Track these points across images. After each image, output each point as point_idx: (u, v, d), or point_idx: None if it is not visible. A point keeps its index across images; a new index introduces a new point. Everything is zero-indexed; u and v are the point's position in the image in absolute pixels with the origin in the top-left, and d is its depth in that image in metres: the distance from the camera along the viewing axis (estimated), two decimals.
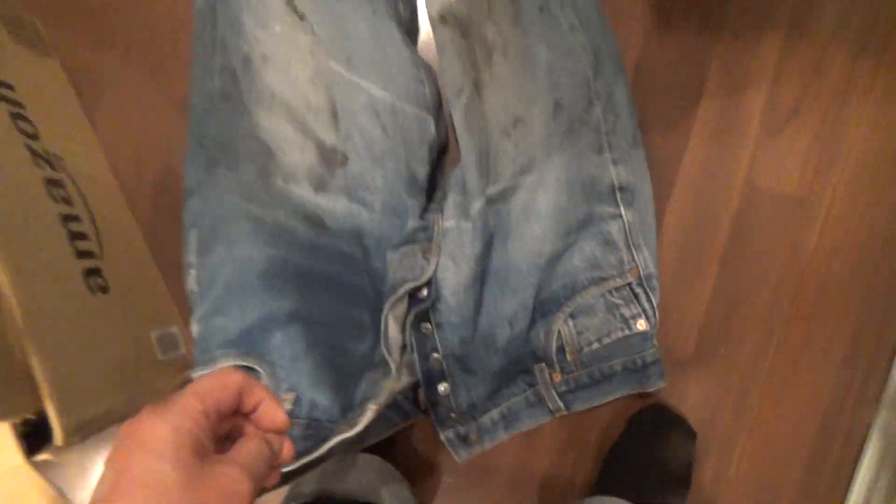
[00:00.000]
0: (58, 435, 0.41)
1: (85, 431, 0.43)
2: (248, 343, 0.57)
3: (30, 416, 0.40)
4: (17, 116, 0.50)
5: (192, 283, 0.59)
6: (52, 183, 0.50)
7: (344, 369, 0.57)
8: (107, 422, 0.45)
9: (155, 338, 0.57)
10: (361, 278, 0.60)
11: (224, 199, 0.58)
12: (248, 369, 0.56)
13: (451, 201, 0.57)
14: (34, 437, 0.41)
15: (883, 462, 0.59)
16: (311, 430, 0.55)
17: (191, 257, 0.59)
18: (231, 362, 0.57)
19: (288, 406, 0.54)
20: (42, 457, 0.41)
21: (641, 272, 0.60)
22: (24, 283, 0.42)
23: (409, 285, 0.55)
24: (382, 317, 0.54)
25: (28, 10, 0.61)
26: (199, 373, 0.57)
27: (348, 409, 0.55)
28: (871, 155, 0.62)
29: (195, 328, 0.58)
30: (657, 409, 0.61)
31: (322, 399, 0.55)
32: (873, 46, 0.62)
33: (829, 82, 0.62)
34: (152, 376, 0.55)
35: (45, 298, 0.44)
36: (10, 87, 0.51)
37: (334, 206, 0.60)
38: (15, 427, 0.40)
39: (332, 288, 0.59)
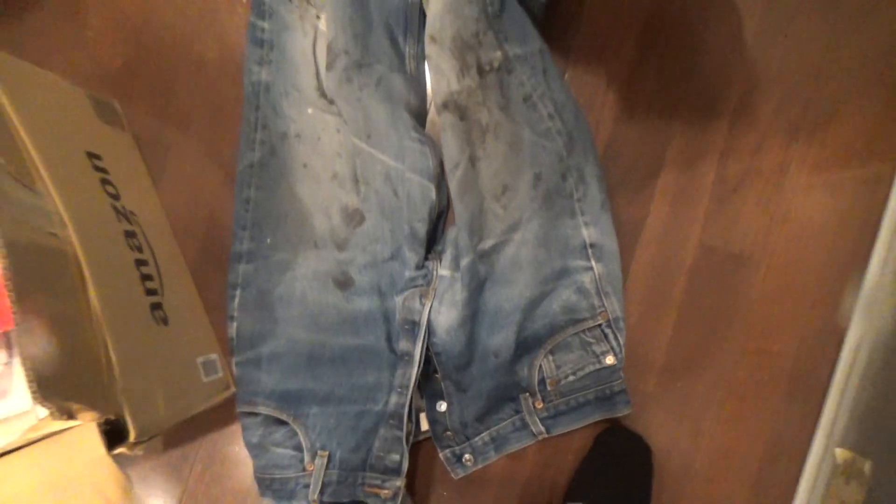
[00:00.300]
0: (132, 433, 0.52)
1: (150, 433, 0.54)
2: (285, 402, 0.70)
3: (111, 417, 0.51)
4: (104, 182, 0.63)
5: (232, 331, 0.72)
6: (129, 234, 0.63)
7: (364, 429, 0.70)
8: (163, 427, 0.56)
9: (200, 363, 0.68)
10: (377, 335, 0.72)
11: (272, 274, 0.72)
12: (281, 422, 0.70)
13: (449, 254, 0.70)
14: (113, 435, 0.52)
15: (817, 482, 0.68)
16: (343, 478, 0.69)
17: (234, 312, 0.72)
18: (269, 412, 0.70)
19: (322, 462, 0.68)
20: (118, 450, 0.51)
21: (610, 315, 0.71)
22: (112, 316, 0.54)
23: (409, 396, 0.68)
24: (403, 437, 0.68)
25: (108, 90, 0.75)
26: (244, 409, 0.70)
27: (367, 459, 0.69)
28: (804, 219, 0.73)
29: (235, 369, 0.71)
30: (619, 430, 0.71)
31: (347, 456, 0.69)
32: (806, 129, 0.74)
33: (769, 159, 0.74)
34: (197, 395, 0.66)
35: (126, 328, 0.55)
36: (99, 157, 0.64)
37: (354, 258, 0.72)
38: (99, 426, 0.51)
39: (357, 360, 0.71)
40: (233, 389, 0.71)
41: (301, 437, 0.69)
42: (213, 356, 0.71)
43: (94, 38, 0.76)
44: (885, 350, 0.67)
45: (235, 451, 0.75)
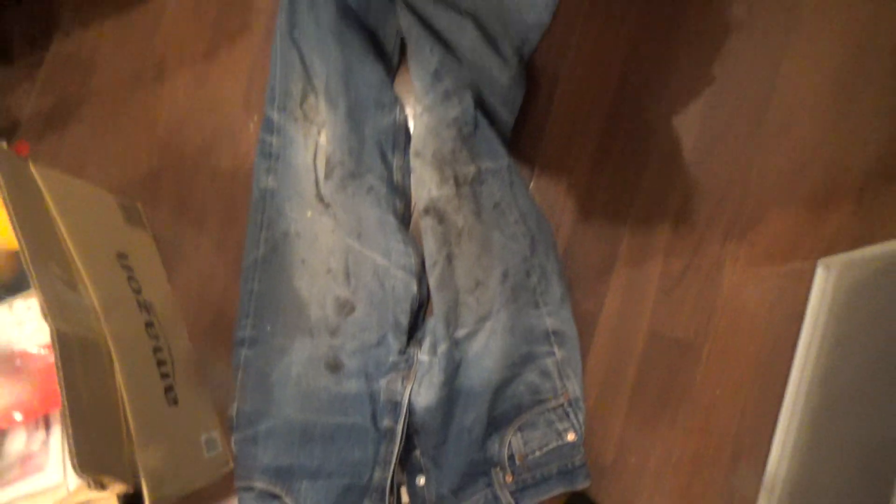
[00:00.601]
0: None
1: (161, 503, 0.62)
2: (278, 476, 0.78)
3: (131, 491, 0.59)
4: (130, 278, 0.72)
5: (232, 410, 0.80)
6: (149, 325, 0.72)
7: (349, 502, 0.78)
8: (171, 499, 0.64)
9: (203, 440, 0.76)
10: (364, 414, 0.80)
11: (270, 358, 0.81)
12: (274, 495, 0.78)
13: (428, 342, 0.79)
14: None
15: None
16: None
17: (235, 392, 0.80)
18: (264, 487, 0.78)
19: None
20: None
21: (571, 396, 0.80)
22: (134, 398, 0.62)
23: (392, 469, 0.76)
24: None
25: (134, 193, 0.86)
26: (241, 484, 0.78)
27: None
28: (738, 309, 0.84)
29: (234, 446, 0.79)
30: (581, 499, 0.78)
31: None
32: (737, 231, 0.86)
33: (707, 256, 0.86)
34: (201, 470, 0.73)
35: (145, 408, 0.64)
36: (126, 256, 0.74)
37: (344, 344, 0.82)
38: (118, 497, 0.58)
39: (345, 438, 0.79)
40: (231, 465, 0.79)
41: None
42: (215, 434, 0.79)
43: (125, 150, 0.88)
44: (813, 426, 0.76)
45: None
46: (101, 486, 0.53)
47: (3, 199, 0.58)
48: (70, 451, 0.51)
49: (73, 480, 0.58)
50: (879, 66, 0.89)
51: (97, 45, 0.90)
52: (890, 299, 0.69)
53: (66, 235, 0.64)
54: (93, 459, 0.53)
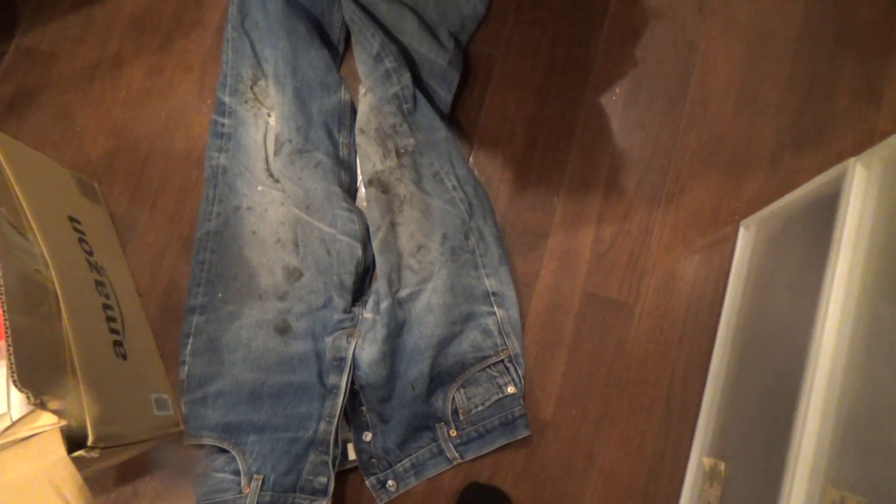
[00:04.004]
0: (90, 437, 0.61)
1: (105, 442, 0.63)
2: (227, 432, 0.81)
3: (73, 423, 0.61)
4: (81, 240, 0.76)
5: (183, 374, 0.83)
6: (99, 283, 0.75)
7: (295, 454, 0.80)
8: (116, 441, 0.66)
9: (153, 399, 0.78)
10: (310, 372, 0.83)
11: (221, 323, 0.85)
12: (222, 450, 0.80)
13: (371, 300, 0.83)
14: (72, 443, 0.61)
15: (693, 493, 0.79)
16: (275, 499, 0.78)
17: (186, 357, 0.84)
18: (212, 442, 0.80)
19: (257, 484, 0.78)
20: (77, 453, 0.60)
21: (511, 352, 0.84)
22: (80, 341, 0.65)
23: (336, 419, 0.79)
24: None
25: (90, 174, 0.90)
26: (189, 442, 0.81)
27: (297, 482, 0.79)
28: (668, 270, 0.89)
29: (184, 408, 0.81)
30: (478, 486, 0.81)
31: (280, 479, 0.79)
32: (664, 199, 0.92)
33: (636, 222, 0.91)
34: (148, 424, 0.75)
35: (90, 353, 0.66)
36: (78, 221, 0.77)
37: (292, 307, 0.85)
38: (61, 430, 0.60)
39: (292, 394, 0.82)
40: (181, 427, 0.81)
41: (239, 463, 0.78)
42: (165, 396, 0.81)
43: (82, 134, 0.92)
44: (738, 372, 0.80)
45: (181, 486, 0.82)
46: (42, 405, 0.55)
47: None
48: (10, 369, 0.53)
49: (17, 411, 0.60)
50: (784, 49, 0.97)
51: (58, 39, 0.95)
52: (795, 241, 0.74)
53: (17, 190, 0.67)
54: (34, 379, 0.55)
